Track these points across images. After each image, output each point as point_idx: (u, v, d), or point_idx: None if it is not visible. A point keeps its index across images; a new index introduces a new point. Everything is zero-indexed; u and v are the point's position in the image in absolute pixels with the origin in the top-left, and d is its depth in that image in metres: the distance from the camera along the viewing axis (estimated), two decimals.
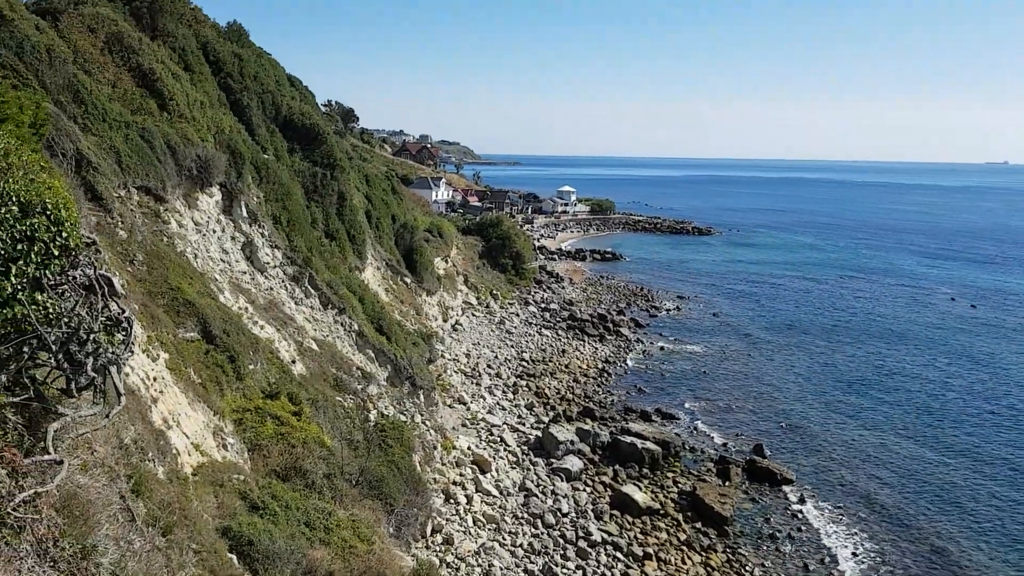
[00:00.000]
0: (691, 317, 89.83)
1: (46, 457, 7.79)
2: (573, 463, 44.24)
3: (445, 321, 69.98)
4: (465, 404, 51.68)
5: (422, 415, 42.96)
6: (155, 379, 20.51)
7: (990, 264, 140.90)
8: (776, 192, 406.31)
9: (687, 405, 58.49)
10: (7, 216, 7.78)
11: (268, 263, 38.92)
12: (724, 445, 50.90)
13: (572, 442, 46.44)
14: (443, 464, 39.25)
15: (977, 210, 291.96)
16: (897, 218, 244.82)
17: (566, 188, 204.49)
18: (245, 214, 38.21)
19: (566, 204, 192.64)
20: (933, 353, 75.80)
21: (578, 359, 68.57)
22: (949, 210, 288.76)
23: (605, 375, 65.18)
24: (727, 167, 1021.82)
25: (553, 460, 44.74)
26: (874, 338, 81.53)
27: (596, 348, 72.83)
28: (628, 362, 69.65)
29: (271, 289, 38.30)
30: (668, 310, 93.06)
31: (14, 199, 7.90)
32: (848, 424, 55.46)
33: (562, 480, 42.66)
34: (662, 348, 74.95)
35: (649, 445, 46.96)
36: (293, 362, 32.93)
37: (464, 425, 47.98)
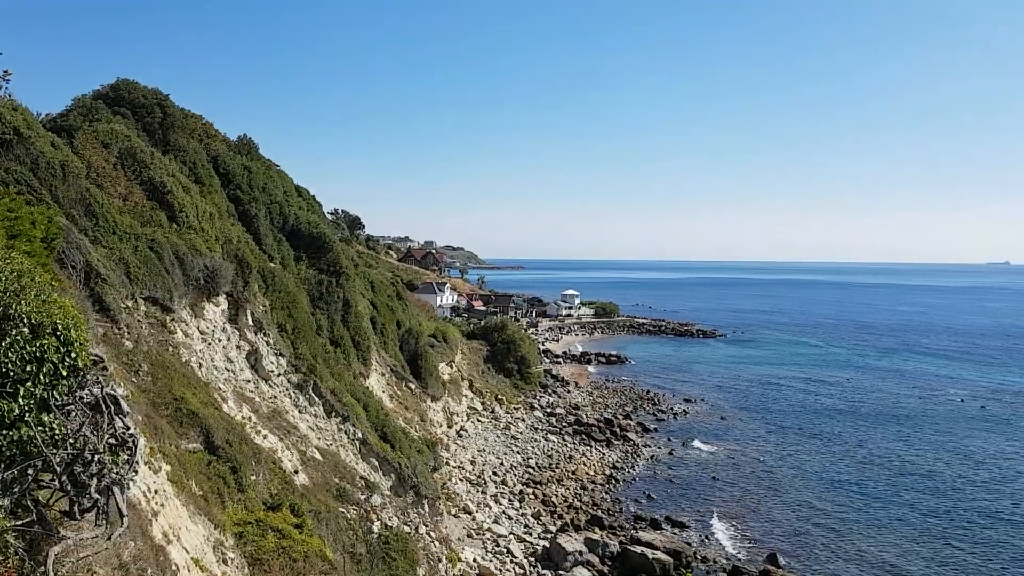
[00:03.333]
0: (699, 420, 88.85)
1: None
2: (582, 575, 43.02)
3: (450, 427, 69.30)
4: (471, 513, 50.65)
5: (426, 526, 42.04)
6: (156, 492, 20.20)
7: (997, 364, 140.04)
8: (779, 294, 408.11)
9: (698, 512, 57.22)
10: (18, 338, 7.85)
11: (272, 371, 38.87)
12: (737, 554, 49.55)
13: (580, 553, 45.26)
14: None
15: (981, 311, 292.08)
16: (901, 319, 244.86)
17: (570, 291, 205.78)
18: (251, 322, 38.41)
19: (570, 307, 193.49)
20: (944, 454, 74.54)
21: (585, 465, 67.51)
22: (953, 311, 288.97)
23: (613, 481, 64.03)
24: (730, 269, 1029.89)
25: (561, 572, 43.53)
26: (884, 440, 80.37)
27: (603, 453, 71.80)
28: (636, 468, 68.53)
29: (275, 397, 38.13)
30: (675, 413, 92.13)
31: (25, 321, 7.98)
32: (863, 530, 54.05)
33: None
34: (671, 453, 73.85)
35: (660, 555, 45.73)
36: (296, 472, 32.47)
37: (470, 535, 46.90)
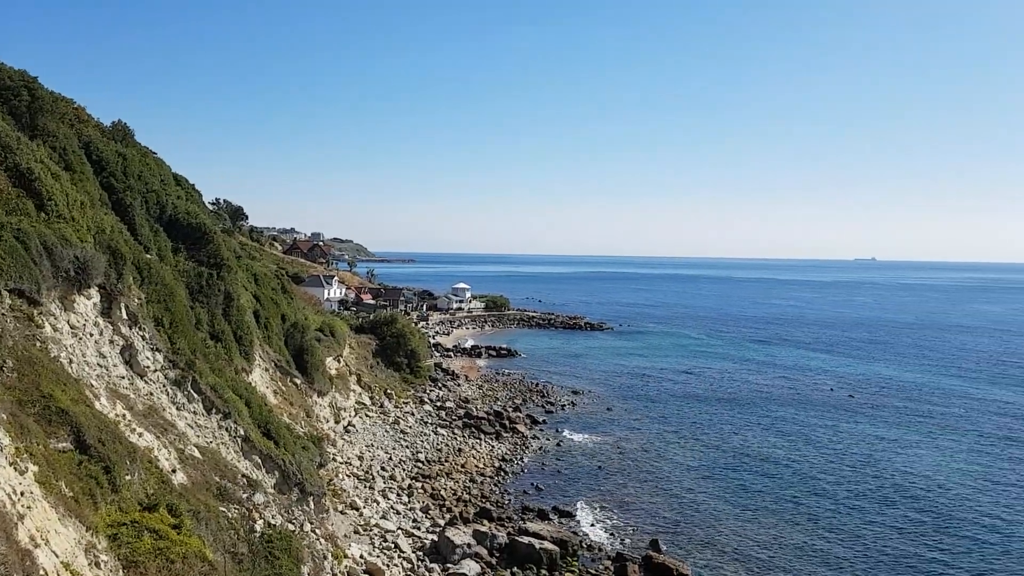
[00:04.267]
0: (586, 412, 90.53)
1: None
2: (470, 567, 43.21)
3: (337, 423, 68.31)
4: (358, 509, 50.11)
5: (312, 523, 41.33)
6: (22, 494, 19.18)
7: (863, 354, 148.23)
8: (662, 288, 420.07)
9: (584, 501, 58.35)
10: None
11: (148, 367, 37.37)
12: (622, 541, 50.81)
13: (469, 545, 45.46)
14: (334, 575, 37.65)
15: (851, 304, 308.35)
16: (776, 312, 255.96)
17: (461, 285, 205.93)
18: (125, 316, 36.80)
19: (461, 301, 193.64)
20: (816, 441, 78.44)
21: (475, 458, 67.79)
22: (824, 304, 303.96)
23: (502, 473, 64.55)
24: (616, 264, 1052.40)
25: (449, 565, 43.62)
26: (759, 427, 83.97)
27: (493, 446, 72.27)
28: (525, 459, 69.29)
29: (151, 394, 36.68)
30: (564, 405, 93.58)
31: None
32: (741, 514, 56.31)
33: None
34: (559, 444, 75.00)
35: (547, 545, 46.42)
36: (173, 471, 31.36)
37: (357, 532, 46.40)
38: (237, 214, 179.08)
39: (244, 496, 35.02)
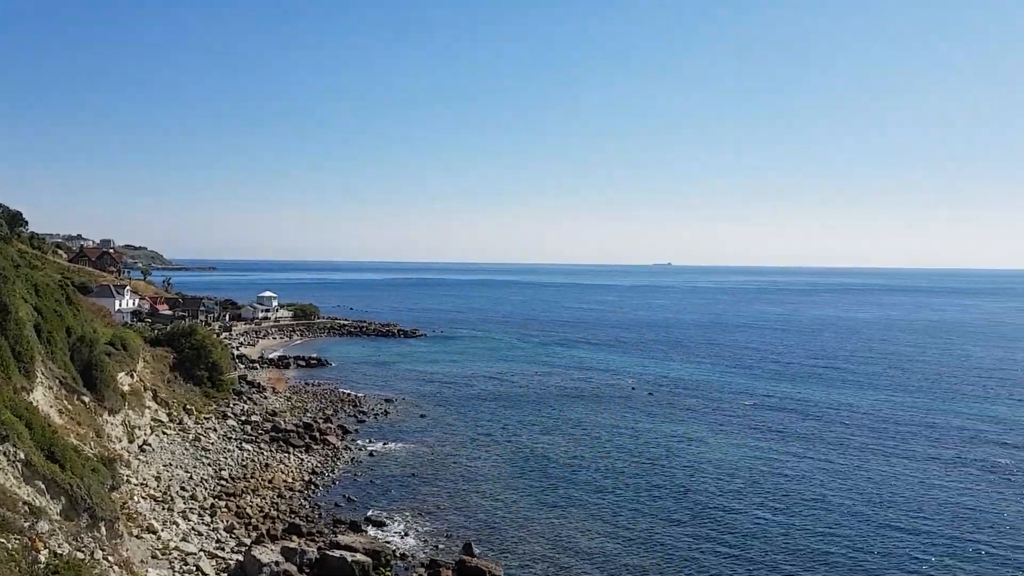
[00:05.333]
0: (400, 419, 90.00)
1: None
2: None
3: (131, 442, 63.96)
4: (155, 532, 47.08)
5: (103, 550, 38.40)
6: None
7: (661, 354, 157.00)
8: (475, 294, 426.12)
9: (398, 510, 57.88)
10: None
11: None
12: (435, 547, 50.80)
13: (277, 563, 43.85)
14: None
15: (649, 307, 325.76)
16: (583, 315, 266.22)
17: (267, 294, 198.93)
18: None
19: (267, 310, 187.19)
20: (617, 436, 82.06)
21: (283, 472, 65.58)
22: (625, 307, 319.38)
23: (312, 487, 62.86)
24: (429, 270, 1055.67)
25: None
26: (567, 426, 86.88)
27: (302, 459, 70.21)
28: (336, 471, 67.84)
29: None
30: (376, 414, 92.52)
31: None
32: (552, 512, 57.85)
33: None
34: (371, 454, 74.01)
35: (359, 557, 45.60)
36: None
37: (155, 556, 43.59)
38: (15, 220, 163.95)
39: (26, 525, 32.05)
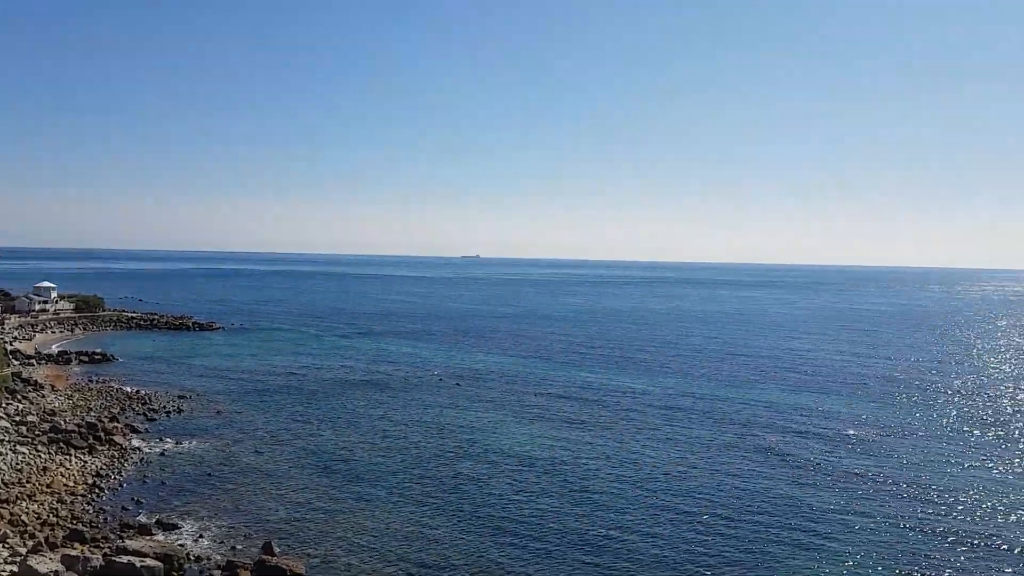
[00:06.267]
0: (193, 417, 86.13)
1: None
2: None
3: None
4: None
5: None
6: None
7: (469, 344, 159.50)
8: (275, 285, 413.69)
9: (192, 511, 55.54)
10: None
11: None
12: (233, 548, 49.27)
13: (57, 572, 41.07)
14: None
15: (459, 298, 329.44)
16: (390, 307, 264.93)
17: (45, 284, 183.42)
18: None
19: (46, 302, 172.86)
20: (425, 427, 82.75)
21: (63, 476, 61.18)
22: (435, 299, 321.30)
23: (97, 490, 59.07)
24: (228, 260, 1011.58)
25: None
26: (372, 418, 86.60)
27: (85, 461, 65.75)
28: (124, 473, 64.08)
29: None
30: (168, 412, 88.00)
31: None
32: (355, 505, 57.61)
33: None
34: (163, 453, 70.45)
35: (149, 562, 43.50)
36: None
37: None
38: None
39: None
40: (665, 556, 49.58)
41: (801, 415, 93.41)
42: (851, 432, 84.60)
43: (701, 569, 47.54)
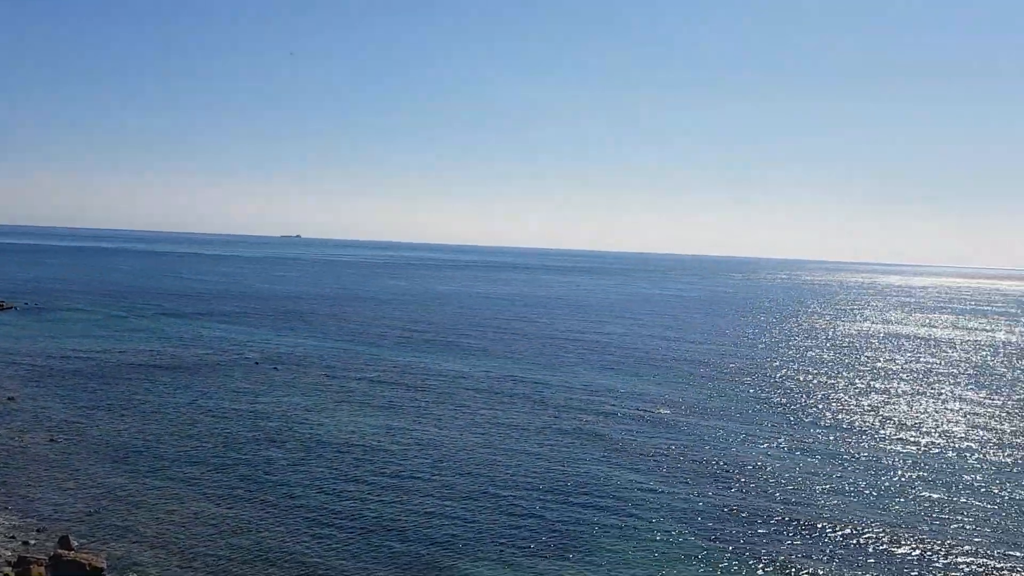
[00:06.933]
0: None
1: None
2: None
3: None
4: None
5: None
6: None
7: (290, 327, 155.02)
8: (76, 261, 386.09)
9: None
10: None
11: None
12: (25, 544, 45.80)
13: None
14: None
15: (279, 279, 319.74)
16: (203, 288, 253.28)
17: None
18: None
19: None
20: (237, 413, 79.90)
21: None
22: (253, 279, 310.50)
23: None
24: (21, 234, 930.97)
25: None
26: (185, 404, 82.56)
27: None
28: None
29: None
30: None
31: None
32: (162, 494, 54.77)
33: None
34: None
35: None
36: None
37: None
38: None
39: None
40: (483, 539, 50.40)
41: (615, 397, 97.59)
42: (661, 412, 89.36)
43: (515, 552, 48.69)
